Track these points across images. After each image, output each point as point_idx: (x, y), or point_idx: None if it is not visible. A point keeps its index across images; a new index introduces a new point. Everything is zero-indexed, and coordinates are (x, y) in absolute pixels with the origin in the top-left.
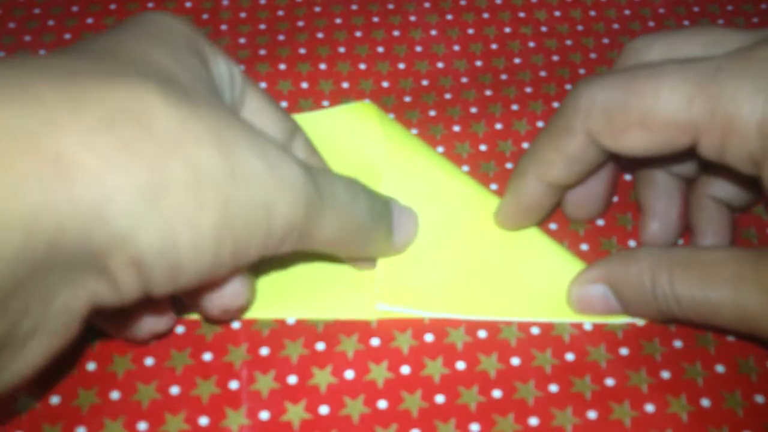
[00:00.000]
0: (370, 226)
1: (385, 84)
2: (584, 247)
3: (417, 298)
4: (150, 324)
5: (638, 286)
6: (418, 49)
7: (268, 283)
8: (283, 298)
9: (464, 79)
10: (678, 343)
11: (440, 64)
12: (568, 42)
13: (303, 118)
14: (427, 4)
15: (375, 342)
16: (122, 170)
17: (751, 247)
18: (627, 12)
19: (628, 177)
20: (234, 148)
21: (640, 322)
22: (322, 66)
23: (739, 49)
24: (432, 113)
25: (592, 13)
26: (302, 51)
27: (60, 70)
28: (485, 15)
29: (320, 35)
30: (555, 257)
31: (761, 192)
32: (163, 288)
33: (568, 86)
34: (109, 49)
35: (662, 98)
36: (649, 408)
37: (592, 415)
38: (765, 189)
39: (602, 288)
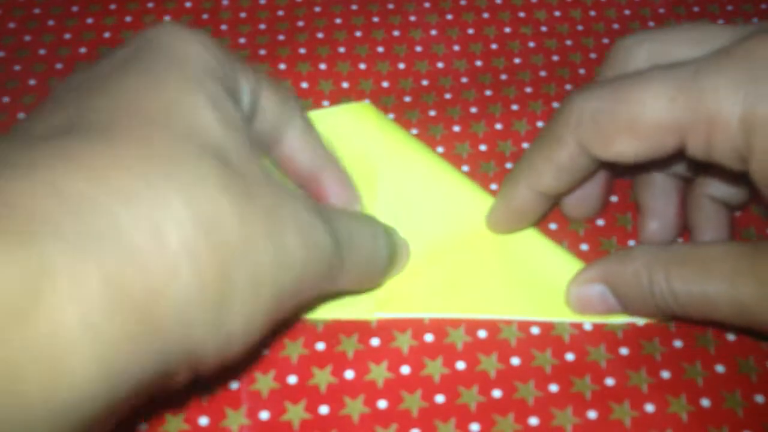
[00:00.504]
0: (381, 270)
1: (385, 84)
2: (584, 247)
3: (416, 301)
4: None
5: (635, 283)
6: (418, 49)
7: None
8: None
9: (464, 79)
10: (678, 343)
11: (440, 64)
12: (568, 42)
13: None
14: (427, 4)
15: (375, 342)
16: (193, 286)
17: None
18: (627, 12)
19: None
20: (283, 236)
21: (639, 321)
22: (322, 66)
23: (718, 49)
24: (432, 113)
25: (592, 13)
26: (302, 51)
27: (102, 161)
28: (485, 15)
29: (320, 35)
30: (554, 257)
31: (755, 188)
32: (210, 371)
33: (568, 86)
34: (144, 110)
35: (647, 104)
36: (649, 408)
37: (592, 414)
38: (754, 184)
39: (600, 287)
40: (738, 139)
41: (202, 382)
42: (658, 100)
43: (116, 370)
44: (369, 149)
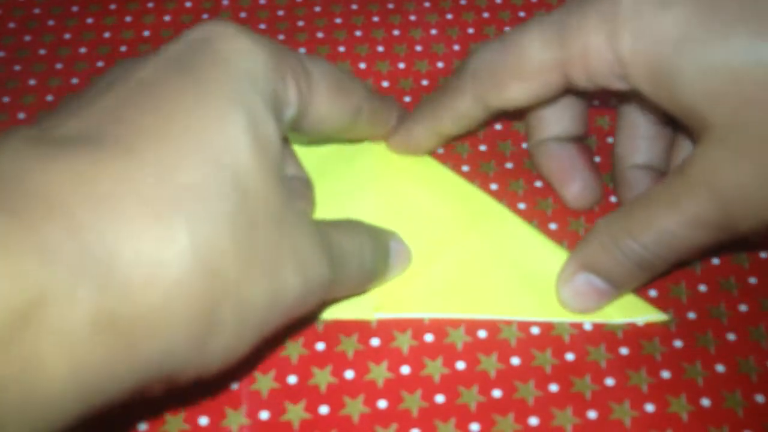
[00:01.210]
0: (367, 279)
1: (385, 84)
2: None
3: (416, 301)
4: None
5: (609, 256)
6: (418, 48)
7: None
8: None
9: None
10: (678, 343)
11: (440, 64)
12: None
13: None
14: (427, 4)
15: (375, 342)
16: (181, 320)
17: None
18: None
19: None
20: (281, 273)
21: (640, 321)
22: None
23: None
24: None
25: None
26: (302, 51)
27: (114, 187)
28: (485, 14)
29: (320, 35)
30: (554, 256)
31: (675, 128)
32: (186, 384)
33: None
34: (174, 131)
35: (528, 49)
36: (650, 408)
37: (592, 414)
38: (639, 93)
39: (583, 276)
40: (610, 59)
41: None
42: (536, 44)
43: (92, 391)
44: (369, 152)
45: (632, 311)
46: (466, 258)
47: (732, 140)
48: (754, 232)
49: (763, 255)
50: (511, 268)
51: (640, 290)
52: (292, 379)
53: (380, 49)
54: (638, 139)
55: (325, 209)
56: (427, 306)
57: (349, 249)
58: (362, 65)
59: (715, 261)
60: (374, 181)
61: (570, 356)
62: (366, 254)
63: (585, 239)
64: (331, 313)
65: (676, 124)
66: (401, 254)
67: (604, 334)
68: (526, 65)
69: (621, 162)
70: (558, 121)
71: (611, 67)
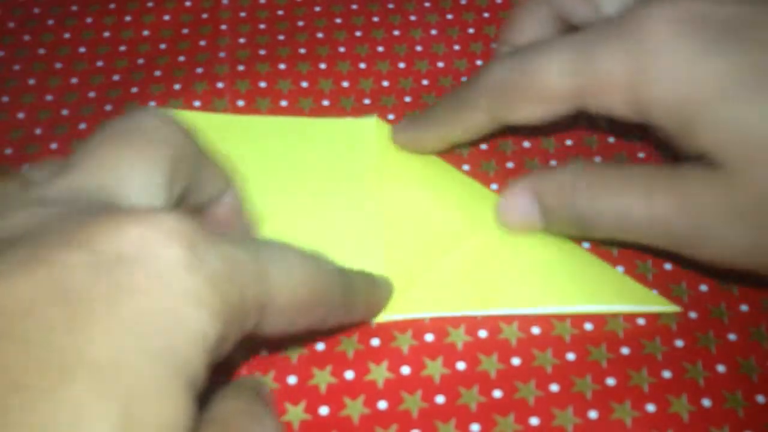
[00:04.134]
0: (330, 291)
1: (385, 83)
2: (586, 245)
3: (415, 302)
4: None
5: (559, 193)
6: (419, 48)
7: None
8: None
9: (465, 79)
10: (679, 343)
11: (441, 64)
12: None
13: (303, 123)
14: (427, 4)
15: (375, 342)
16: None
17: None
18: None
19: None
20: None
21: (641, 320)
22: (322, 65)
23: (609, 19)
24: None
25: None
26: (302, 51)
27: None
28: (486, 14)
29: (320, 35)
30: (558, 249)
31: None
32: None
33: None
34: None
35: (544, 71)
36: (651, 408)
37: (593, 414)
38: (655, 130)
39: (528, 198)
40: (632, 95)
41: None
42: (554, 67)
43: None
44: (367, 159)
45: (646, 300)
46: (471, 255)
47: (742, 195)
48: (707, 264)
49: None
50: (512, 264)
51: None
52: (291, 380)
53: (380, 49)
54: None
55: (326, 211)
56: (426, 305)
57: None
58: (362, 65)
59: None
60: (375, 181)
61: (571, 356)
62: (313, 260)
63: (547, 168)
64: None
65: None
66: (379, 290)
67: (605, 333)
68: (542, 89)
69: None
70: (532, 31)
71: (631, 101)
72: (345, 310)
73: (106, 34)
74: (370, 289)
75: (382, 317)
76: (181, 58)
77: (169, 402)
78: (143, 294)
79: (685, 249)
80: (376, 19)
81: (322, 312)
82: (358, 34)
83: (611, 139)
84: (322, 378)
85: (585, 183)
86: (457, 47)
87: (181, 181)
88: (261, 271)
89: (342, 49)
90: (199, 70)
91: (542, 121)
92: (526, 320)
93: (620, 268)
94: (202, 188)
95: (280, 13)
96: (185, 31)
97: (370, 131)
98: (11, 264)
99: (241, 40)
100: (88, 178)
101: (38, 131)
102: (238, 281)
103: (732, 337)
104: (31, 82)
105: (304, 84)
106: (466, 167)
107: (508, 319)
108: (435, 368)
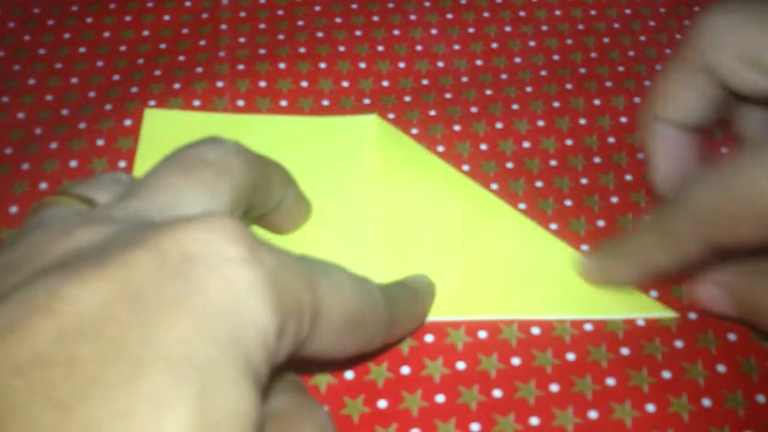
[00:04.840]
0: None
1: (385, 83)
2: (585, 247)
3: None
4: None
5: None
6: (419, 48)
7: None
8: None
9: (464, 79)
10: (679, 343)
11: (440, 64)
12: (569, 41)
13: (304, 122)
14: (427, 3)
15: None
16: None
17: None
18: (628, 11)
19: (629, 177)
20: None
21: (640, 321)
22: (322, 65)
23: None
24: (432, 113)
25: (593, 12)
26: (302, 50)
27: None
28: (486, 14)
29: (320, 34)
30: (560, 254)
31: None
32: None
33: (568, 86)
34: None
35: (761, 186)
36: (651, 408)
37: (593, 414)
38: None
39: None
40: None
41: None
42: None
43: None
44: (369, 160)
45: (641, 308)
46: (470, 260)
47: None
48: None
49: None
50: (515, 267)
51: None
52: None
53: (380, 48)
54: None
55: (327, 208)
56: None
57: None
58: (362, 65)
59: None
60: (375, 178)
61: (571, 356)
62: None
63: (748, 272)
64: None
65: None
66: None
67: (605, 334)
68: (763, 206)
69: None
70: (688, 104)
71: None
72: (391, 326)
73: (106, 34)
74: (412, 299)
75: None
76: (181, 58)
77: (240, 392)
78: (209, 289)
79: None
80: (376, 18)
81: (372, 329)
82: (358, 33)
83: (611, 139)
84: (322, 378)
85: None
86: (457, 47)
87: (243, 207)
88: (312, 281)
89: (342, 49)
90: (199, 70)
91: (762, 239)
92: (526, 321)
93: None
94: (261, 205)
95: (280, 13)
96: (185, 31)
97: (370, 129)
98: (83, 269)
99: (241, 40)
100: (151, 202)
101: (38, 131)
102: (293, 283)
103: (732, 337)
104: (31, 82)
105: (304, 84)
106: (466, 167)
107: (508, 320)
108: (435, 368)
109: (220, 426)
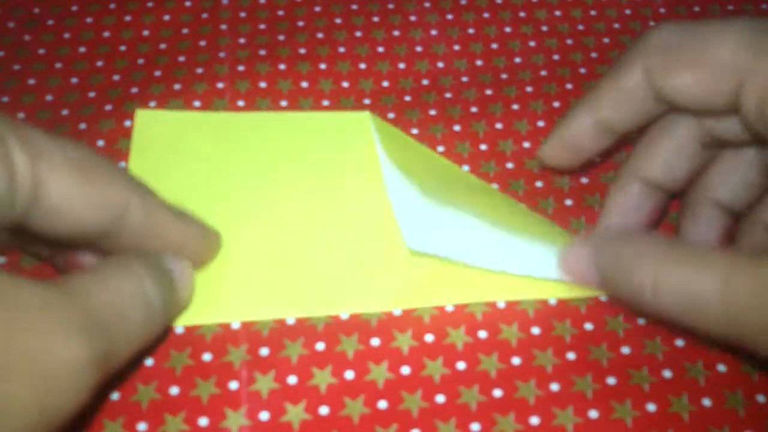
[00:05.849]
0: (167, 312)
1: (385, 84)
2: None
3: (416, 295)
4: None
5: (617, 264)
6: (419, 48)
7: (266, 284)
8: (279, 298)
9: (465, 79)
10: (680, 342)
11: (440, 64)
12: (569, 41)
13: (297, 118)
14: (427, 4)
15: (375, 342)
16: None
17: None
18: (628, 11)
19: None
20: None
21: (641, 320)
22: (322, 66)
23: None
24: (432, 113)
25: (593, 12)
26: (302, 51)
27: None
28: (486, 14)
29: (320, 35)
30: (555, 238)
31: None
32: None
33: (568, 86)
34: None
35: (715, 42)
36: (651, 407)
37: (593, 414)
38: None
39: (585, 262)
40: None
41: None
42: (726, 41)
43: None
44: (364, 156)
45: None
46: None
47: None
48: None
49: None
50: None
51: None
52: (292, 380)
53: (380, 49)
54: (729, 176)
55: (320, 203)
56: (437, 295)
57: (120, 300)
58: (362, 65)
59: None
60: (368, 173)
61: (571, 355)
62: (150, 292)
63: (612, 238)
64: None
65: None
66: (183, 273)
67: (605, 333)
68: (706, 56)
69: (701, 191)
70: (668, 165)
71: None
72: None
73: (106, 34)
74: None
75: (390, 309)
76: (181, 58)
77: None
78: None
79: (755, 344)
80: (376, 19)
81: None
82: (358, 34)
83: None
84: (322, 378)
85: (651, 256)
86: (457, 47)
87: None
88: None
89: (342, 49)
90: (199, 70)
91: (692, 99)
92: (526, 321)
93: None
94: None
95: (280, 13)
96: (185, 31)
97: (363, 125)
98: None
99: (241, 40)
100: None
101: None
102: None
103: None
104: (31, 82)
105: (304, 84)
106: (466, 167)
107: (509, 319)
108: (435, 368)
109: None
